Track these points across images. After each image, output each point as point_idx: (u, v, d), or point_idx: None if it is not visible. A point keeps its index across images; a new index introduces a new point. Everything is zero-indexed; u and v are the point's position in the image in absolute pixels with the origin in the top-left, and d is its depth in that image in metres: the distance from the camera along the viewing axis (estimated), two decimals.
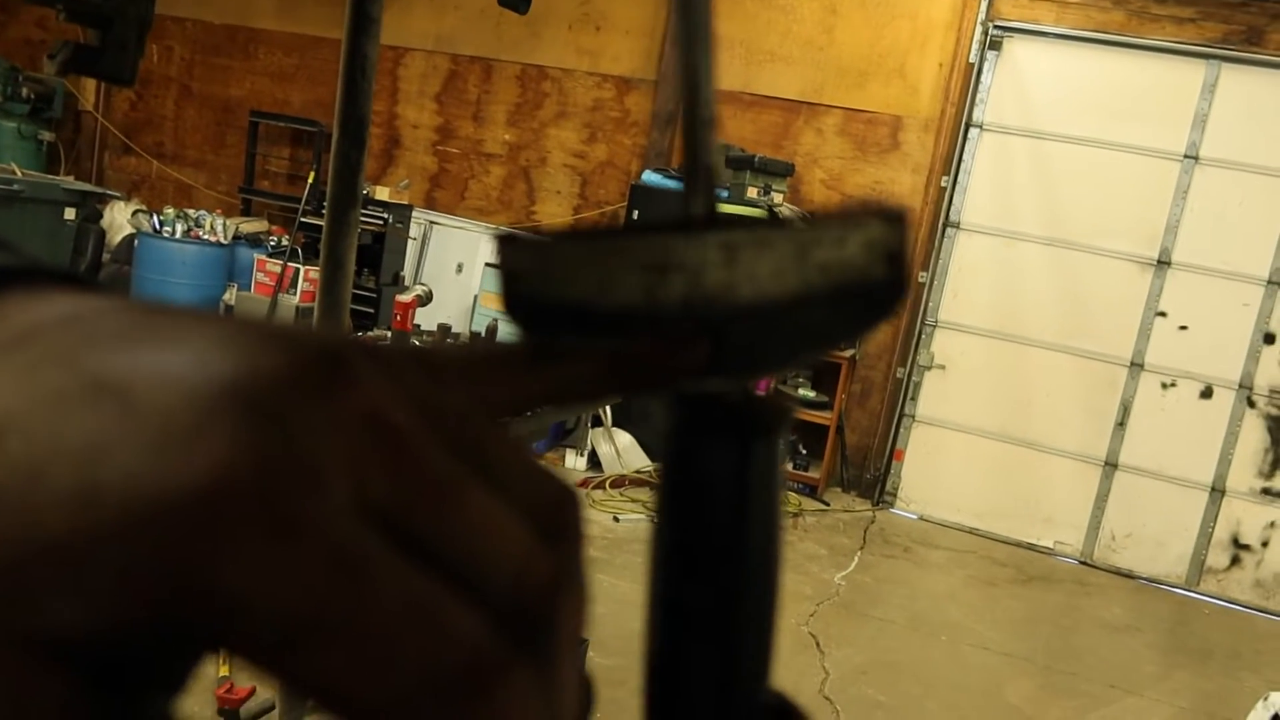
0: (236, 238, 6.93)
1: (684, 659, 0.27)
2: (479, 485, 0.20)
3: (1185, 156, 5.88)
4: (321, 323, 1.71)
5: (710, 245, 0.25)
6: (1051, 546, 6.16)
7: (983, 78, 6.18)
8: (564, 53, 7.11)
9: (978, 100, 6.20)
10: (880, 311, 0.27)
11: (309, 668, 0.17)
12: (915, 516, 6.38)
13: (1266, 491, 5.88)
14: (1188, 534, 5.98)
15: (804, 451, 6.30)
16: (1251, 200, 5.79)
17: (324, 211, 1.73)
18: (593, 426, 5.97)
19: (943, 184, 6.28)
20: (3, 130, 7.64)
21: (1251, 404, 5.87)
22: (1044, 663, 4.37)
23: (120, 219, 7.42)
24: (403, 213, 6.92)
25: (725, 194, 5.56)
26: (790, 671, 3.79)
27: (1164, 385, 6.01)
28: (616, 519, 5.18)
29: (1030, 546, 6.14)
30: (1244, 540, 5.92)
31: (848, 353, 6.20)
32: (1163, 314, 5.98)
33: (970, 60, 6.17)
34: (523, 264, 0.27)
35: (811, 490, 6.23)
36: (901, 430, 6.48)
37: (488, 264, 6.83)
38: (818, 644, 4.08)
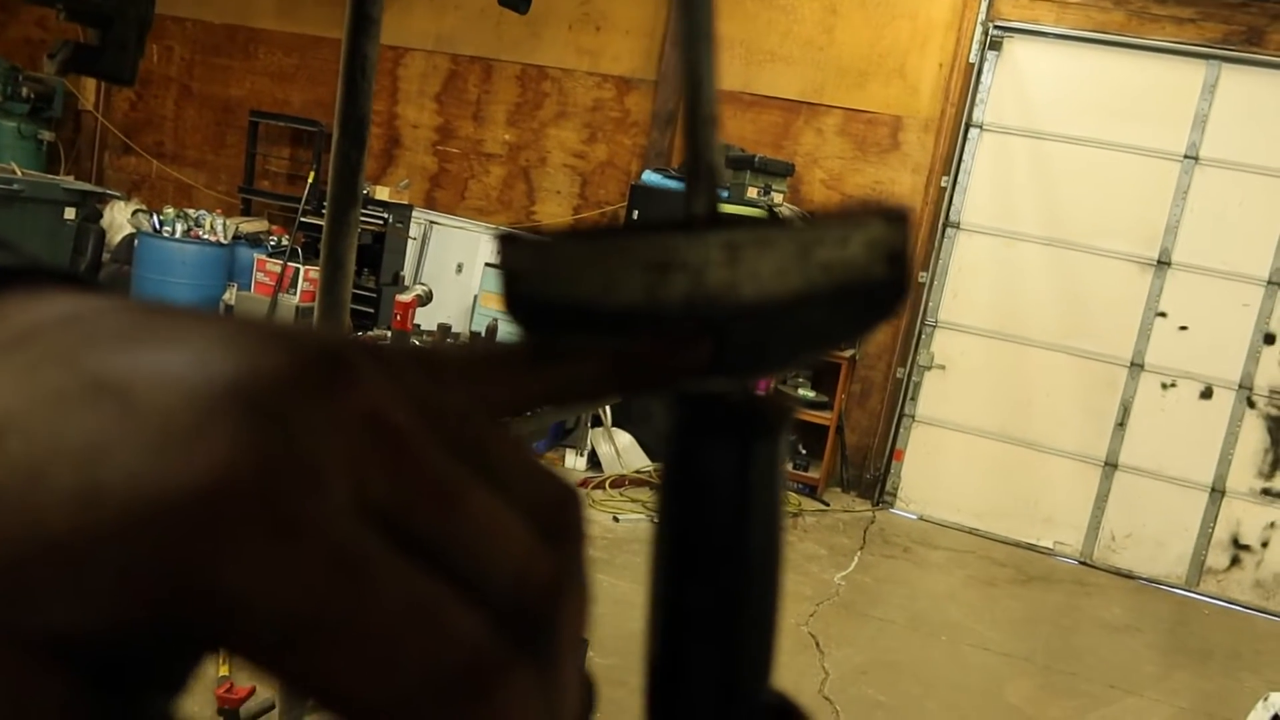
0: (236, 237, 6.92)
1: (685, 659, 0.27)
2: (480, 485, 0.20)
3: (1185, 157, 5.88)
4: (322, 323, 1.71)
5: (712, 244, 0.25)
6: (1051, 547, 6.16)
7: (983, 78, 6.18)
8: (564, 53, 7.11)
9: (978, 100, 6.20)
10: (882, 311, 0.27)
11: (310, 668, 0.17)
12: (915, 516, 6.38)
13: (1266, 492, 5.88)
14: (1187, 534, 5.98)
15: (804, 451, 6.30)
16: (1251, 200, 5.79)
17: (324, 211, 1.73)
18: (592, 426, 5.97)
19: (943, 184, 6.28)
20: (3, 130, 7.64)
21: (1251, 404, 5.87)
22: (1044, 663, 4.37)
23: (120, 219, 7.42)
24: (403, 213, 6.92)
25: (725, 194, 5.55)
26: (790, 672, 3.79)
27: (1164, 385, 6.01)
28: (616, 519, 5.18)
29: (1030, 547, 6.14)
30: (1244, 541, 5.92)
31: (848, 353, 6.20)
32: (1163, 314, 5.98)
33: (970, 60, 6.17)
34: (524, 263, 0.27)
35: (811, 490, 6.23)
36: (901, 430, 6.48)
37: (488, 264, 6.83)
38: (817, 644, 4.08)
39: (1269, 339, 5.82)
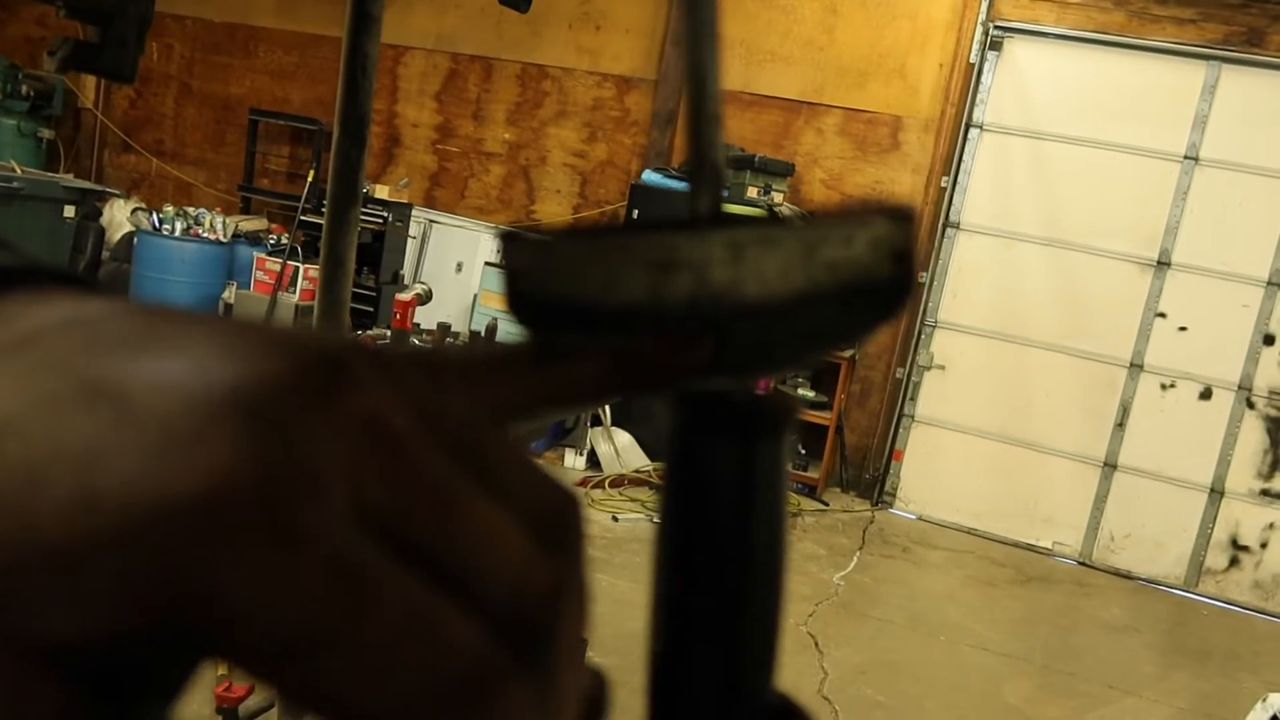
0: (236, 236, 6.92)
1: (688, 660, 0.27)
2: (478, 491, 0.20)
3: (1185, 157, 5.88)
4: (322, 325, 1.71)
5: (716, 243, 0.24)
6: (1050, 547, 6.16)
7: (983, 78, 6.17)
8: (564, 52, 7.11)
9: (978, 100, 6.19)
10: (887, 310, 0.26)
11: (307, 677, 0.17)
12: (914, 517, 6.38)
13: (1265, 493, 5.88)
14: (1186, 535, 5.98)
15: (803, 451, 6.30)
16: (1251, 201, 5.79)
17: (324, 210, 1.73)
18: (592, 426, 5.97)
19: (943, 184, 6.28)
20: (2, 127, 7.63)
21: (1251, 405, 5.88)
22: (1042, 663, 4.37)
23: (120, 217, 7.41)
24: (402, 211, 6.92)
25: (725, 194, 5.55)
26: (789, 671, 3.78)
27: (1163, 386, 6.02)
28: (615, 518, 5.18)
29: (1029, 547, 6.14)
30: (1243, 541, 5.92)
31: (847, 353, 6.21)
32: (1162, 315, 5.98)
33: (970, 60, 6.17)
34: (526, 262, 0.27)
35: (810, 490, 6.23)
36: (901, 430, 6.48)
37: (487, 263, 6.83)
38: (816, 644, 4.09)
39: (1268, 340, 5.82)
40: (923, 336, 6.39)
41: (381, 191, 6.85)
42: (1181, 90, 5.86)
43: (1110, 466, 6.12)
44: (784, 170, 6.15)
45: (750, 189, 5.97)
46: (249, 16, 7.92)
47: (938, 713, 3.77)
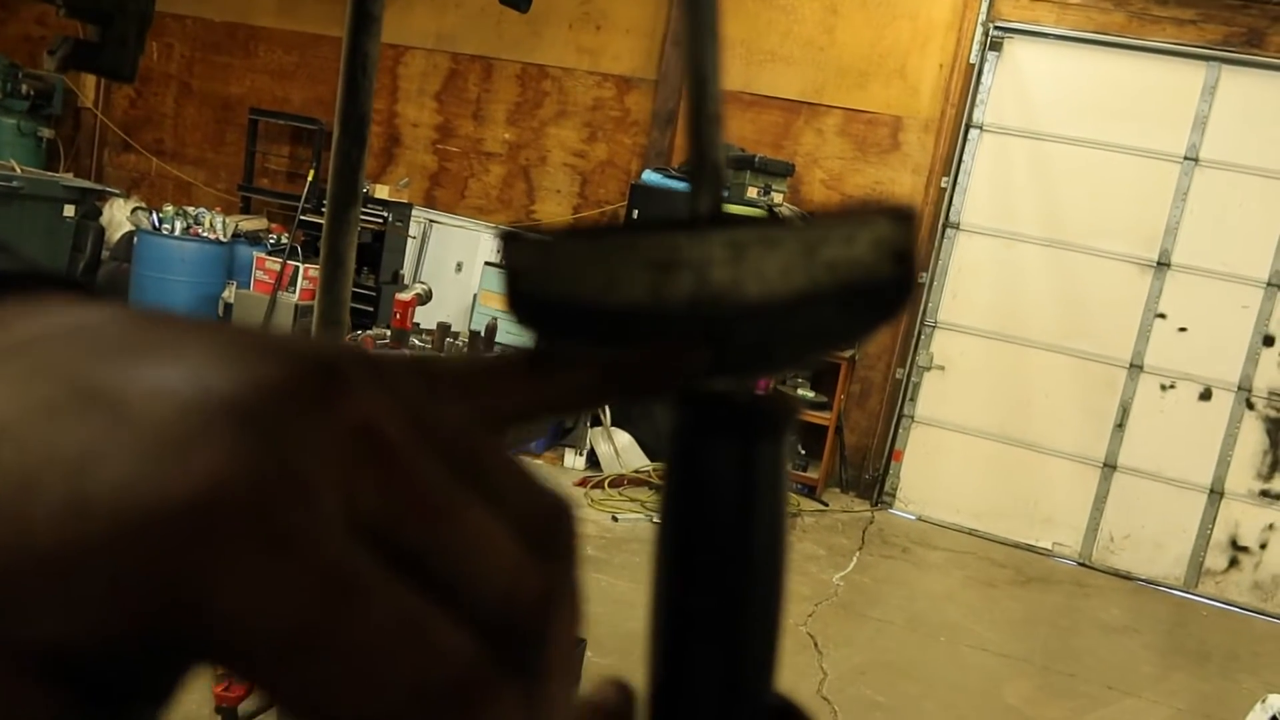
0: (236, 235, 6.92)
1: (688, 660, 0.27)
2: (471, 499, 0.20)
3: (1185, 158, 5.88)
4: (319, 332, 1.71)
5: (717, 243, 0.24)
6: (1050, 548, 6.17)
7: (983, 79, 6.18)
8: (564, 52, 7.11)
9: (978, 101, 6.20)
10: (888, 311, 0.26)
11: (297, 683, 0.17)
12: (914, 517, 6.38)
13: (1265, 494, 5.88)
14: (1186, 536, 5.98)
15: (803, 452, 6.30)
16: (1251, 202, 5.79)
17: (324, 209, 1.73)
18: (591, 426, 5.97)
19: (943, 185, 6.28)
20: (2, 127, 7.63)
21: (1250, 406, 5.88)
22: (1042, 663, 4.37)
23: (120, 216, 7.41)
24: (402, 211, 6.92)
25: (726, 194, 5.55)
26: (788, 672, 3.78)
27: (1163, 387, 6.02)
28: (615, 518, 5.18)
29: (1029, 548, 6.15)
30: (1242, 542, 5.92)
31: (847, 353, 6.21)
32: (1162, 315, 5.98)
33: (971, 61, 6.18)
34: (527, 262, 0.27)
35: (810, 490, 6.23)
36: (900, 431, 6.48)
37: (487, 263, 6.83)
38: (816, 644, 4.08)
39: (1268, 341, 5.83)
40: (922, 337, 6.39)
41: (381, 191, 6.85)
42: (1181, 91, 5.86)
43: (1110, 467, 6.12)
44: (784, 170, 6.15)
45: (750, 189, 5.97)
46: (249, 16, 7.92)
47: (937, 713, 3.77)
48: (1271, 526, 5.88)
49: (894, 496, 6.48)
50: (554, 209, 7.25)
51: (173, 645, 0.17)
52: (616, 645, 3.51)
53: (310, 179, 6.79)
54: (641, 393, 0.26)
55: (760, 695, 0.27)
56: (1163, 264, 5.95)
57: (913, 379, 6.43)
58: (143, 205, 7.34)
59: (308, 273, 6.29)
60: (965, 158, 6.24)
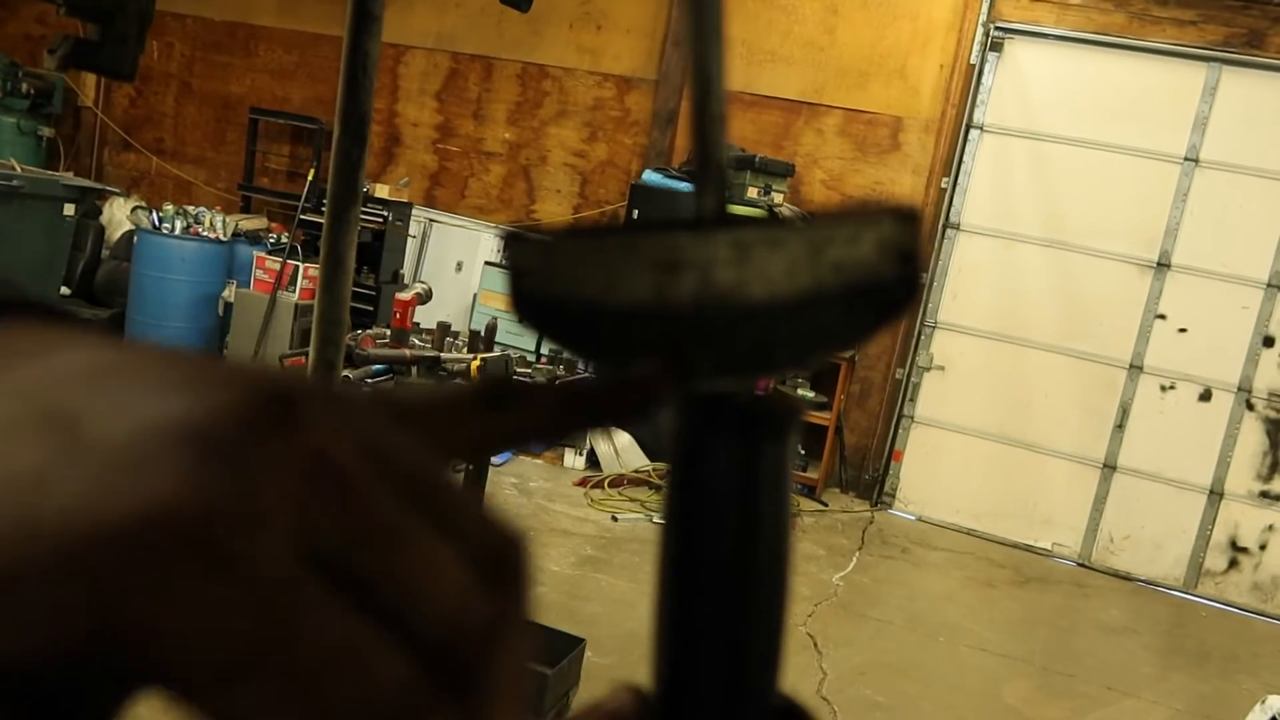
0: (236, 235, 6.91)
1: (693, 661, 0.27)
2: (422, 529, 0.20)
3: (1185, 159, 5.88)
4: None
5: (721, 243, 0.24)
6: (1049, 548, 6.16)
7: (983, 79, 6.17)
8: (565, 51, 7.11)
9: (978, 102, 6.19)
10: (893, 311, 0.26)
11: (236, 707, 0.17)
12: (913, 517, 6.38)
13: (1265, 494, 5.88)
14: (1186, 536, 5.98)
15: (803, 452, 6.30)
16: (1251, 203, 5.79)
17: (324, 209, 1.72)
18: None
19: (943, 185, 6.28)
20: (2, 126, 7.62)
21: (1250, 407, 5.88)
22: (1041, 664, 4.37)
23: (120, 215, 7.41)
24: (402, 210, 6.91)
25: (729, 194, 5.55)
26: (788, 672, 3.79)
27: (1163, 388, 6.02)
28: (615, 518, 5.18)
29: (1028, 548, 6.14)
30: (1242, 543, 5.92)
31: (847, 354, 6.21)
32: (1162, 316, 5.98)
33: (971, 61, 6.17)
34: (530, 262, 0.27)
35: (810, 491, 6.23)
36: (900, 431, 6.48)
37: (487, 262, 6.83)
38: (815, 644, 4.08)
39: (1268, 341, 5.82)
40: (922, 337, 6.39)
41: (382, 191, 6.85)
42: (1182, 92, 5.86)
43: (1110, 468, 6.12)
44: (784, 171, 6.15)
45: (750, 189, 5.97)
46: (249, 15, 7.92)
47: (936, 713, 3.76)
48: (1271, 527, 5.88)
49: (894, 497, 6.48)
50: (554, 209, 7.25)
51: (113, 667, 0.17)
52: (616, 645, 3.51)
53: (310, 178, 6.79)
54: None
55: (765, 695, 0.27)
56: (1163, 265, 5.95)
57: (913, 379, 6.42)
58: (143, 204, 7.34)
59: (308, 272, 6.29)
60: (965, 158, 6.24)
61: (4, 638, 0.16)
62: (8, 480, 0.17)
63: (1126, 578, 5.99)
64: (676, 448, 0.27)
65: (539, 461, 5.85)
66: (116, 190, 7.64)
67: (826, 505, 6.19)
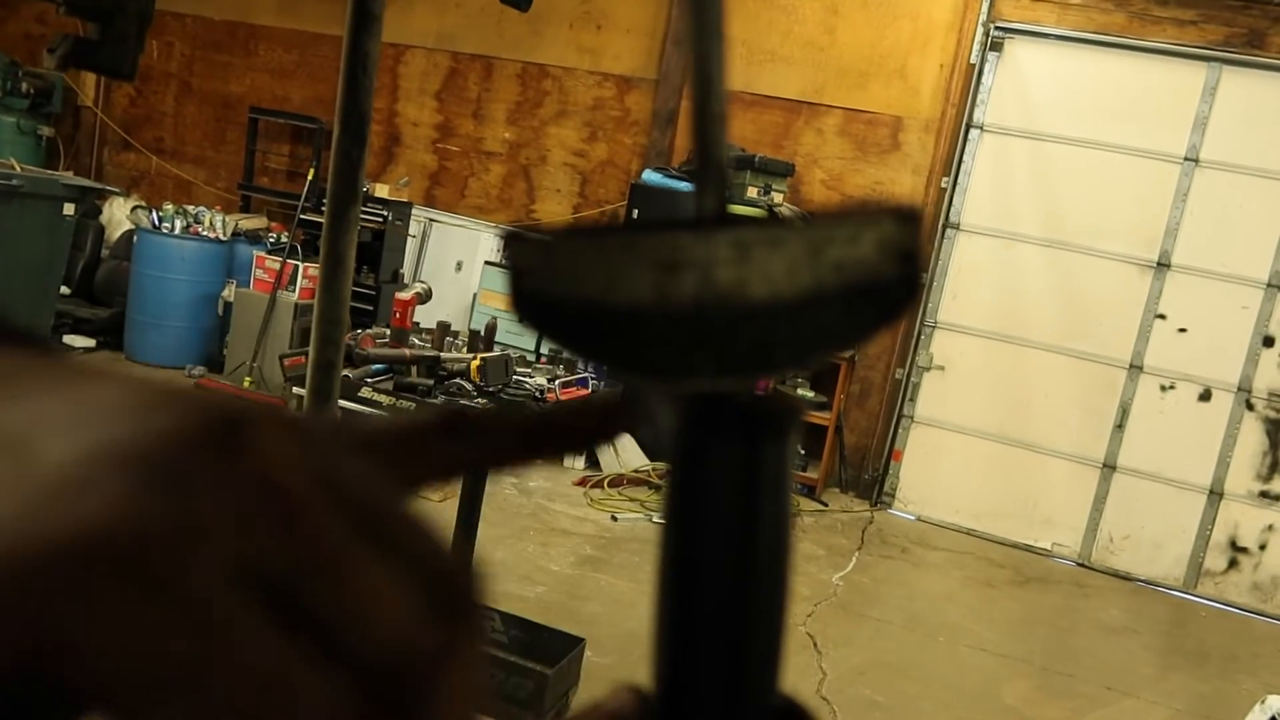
0: (236, 234, 6.91)
1: (693, 661, 0.27)
2: (369, 556, 0.20)
3: (1186, 159, 5.88)
4: (315, 339, 1.72)
5: (722, 242, 0.24)
6: (1049, 548, 6.17)
7: (983, 79, 6.18)
8: (565, 51, 7.11)
9: (978, 101, 6.20)
10: (893, 311, 0.26)
11: None
12: (913, 517, 6.38)
13: (1264, 494, 5.88)
14: (1185, 536, 5.98)
15: (802, 452, 6.30)
16: (1252, 203, 5.79)
17: (324, 208, 1.72)
18: None
19: (943, 185, 6.28)
20: (2, 125, 7.63)
21: (1250, 407, 5.88)
22: (1041, 664, 4.37)
23: (119, 215, 7.41)
24: (402, 210, 6.91)
25: (729, 193, 5.55)
26: (788, 672, 3.79)
27: (1163, 388, 6.02)
28: (614, 518, 5.18)
29: (1028, 548, 6.15)
30: (1242, 543, 5.92)
31: (847, 353, 6.21)
32: (1162, 316, 5.98)
33: (971, 61, 6.18)
34: (530, 261, 0.27)
35: (810, 490, 6.23)
36: (900, 431, 6.48)
37: (487, 262, 6.83)
38: (815, 644, 4.09)
39: (1268, 341, 5.83)
40: (922, 337, 6.40)
41: (381, 190, 6.85)
42: (1182, 92, 5.86)
43: (1109, 468, 6.12)
44: (784, 170, 6.15)
45: (750, 189, 5.97)
46: (249, 14, 7.92)
47: (936, 713, 3.77)
48: (1271, 527, 5.88)
49: (893, 496, 6.48)
50: (554, 208, 7.25)
51: (47, 687, 0.17)
52: (616, 645, 3.51)
53: (310, 178, 6.78)
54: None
55: (765, 695, 0.27)
56: (1163, 265, 5.95)
57: (912, 379, 6.43)
58: (142, 204, 7.34)
59: (307, 271, 6.29)
60: (965, 158, 6.24)
61: None
62: None
63: (1126, 578, 5.99)
64: (676, 448, 0.27)
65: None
66: (116, 190, 7.63)
67: (826, 505, 6.19)
